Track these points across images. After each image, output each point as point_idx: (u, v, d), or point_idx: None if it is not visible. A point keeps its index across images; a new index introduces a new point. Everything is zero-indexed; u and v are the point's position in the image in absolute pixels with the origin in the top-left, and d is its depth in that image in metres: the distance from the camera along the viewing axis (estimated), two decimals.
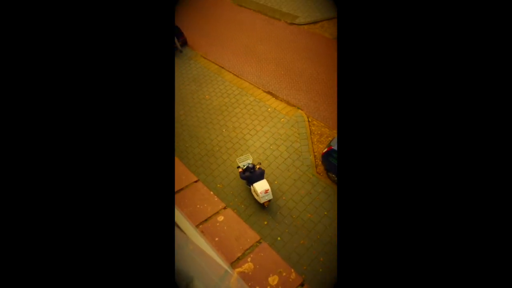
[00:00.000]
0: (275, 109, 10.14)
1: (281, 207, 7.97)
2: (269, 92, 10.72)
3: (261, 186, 7.40)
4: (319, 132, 9.34)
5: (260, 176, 7.56)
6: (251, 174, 7.54)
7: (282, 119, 9.85)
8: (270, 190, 7.41)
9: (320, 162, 8.63)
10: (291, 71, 11.15)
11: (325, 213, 7.68)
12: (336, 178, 7.99)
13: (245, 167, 7.71)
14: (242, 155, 8.72)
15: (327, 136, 9.17)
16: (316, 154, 8.87)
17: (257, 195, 7.49)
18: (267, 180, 8.29)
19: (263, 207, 7.90)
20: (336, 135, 8.54)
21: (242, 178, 7.68)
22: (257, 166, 7.71)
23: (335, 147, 7.48)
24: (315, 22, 12.53)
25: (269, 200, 7.63)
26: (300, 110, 9.97)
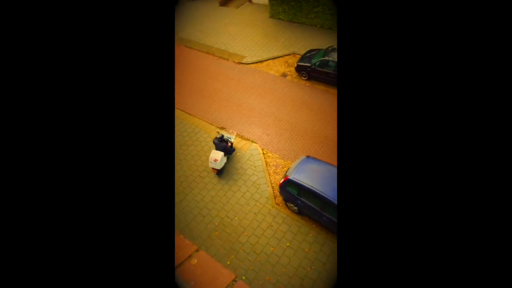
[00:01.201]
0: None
1: (244, 244, 7.76)
2: (222, 128, 10.86)
3: (213, 154, 8.87)
4: (274, 163, 9.58)
5: (221, 149, 8.96)
6: (217, 143, 9.04)
7: (238, 154, 9.95)
8: (219, 162, 8.75)
9: (278, 193, 8.74)
10: (243, 106, 11.53)
11: (288, 244, 7.65)
12: (294, 207, 8.12)
13: (220, 136, 9.19)
14: (204, 187, 8.78)
15: (282, 166, 9.44)
16: (273, 185, 9.01)
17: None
18: (229, 212, 8.12)
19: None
20: (291, 165, 8.82)
21: (213, 142, 9.19)
22: (229, 144, 9.27)
23: (291, 176, 7.70)
24: (261, 61, 13.39)
25: (217, 170, 9.02)
26: (254, 144, 10.20)
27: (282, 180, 7.95)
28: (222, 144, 9.00)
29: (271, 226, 8.05)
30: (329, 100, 11.07)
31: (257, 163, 9.60)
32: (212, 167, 8.89)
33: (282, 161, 9.60)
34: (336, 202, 6.94)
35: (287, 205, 8.37)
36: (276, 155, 9.80)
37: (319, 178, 7.44)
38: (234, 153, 9.88)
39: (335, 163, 9.02)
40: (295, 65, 12.22)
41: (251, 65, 13.36)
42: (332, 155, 9.43)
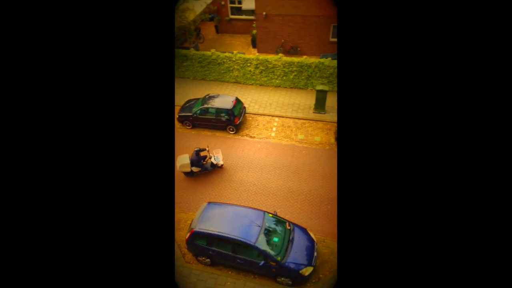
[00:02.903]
0: None
1: None
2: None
3: (180, 157, 9.79)
4: (176, 219, 8.96)
5: (191, 159, 9.61)
6: (193, 153, 9.71)
7: None
8: (179, 166, 9.58)
9: (186, 250, 8.12)
10: None
11: None
12: (207, 260, 7.68)
13: (197, 149, 9.76)
14: None
15: (185, 220, 8.92)
16: (179, 243, 8.34)
17: None
18: None
19: None
20: (194, 216, 8.45)
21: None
22: (205, 162, 9.91)
23: (196, 228, 7.35)
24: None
25: (183, 172, 9.88)
26: None
27: (188, 234, 7.48)
28: (194, 157, 9.58)
29: None
30: (218, 144, 11.48)
31: None
32: (179, 168, 9.68)
33: (184, 214, 9.10)
34: (248, 242, 6.98)
35: (198, 260, 7.84)
36: (176, 209, 9.22)
37: (226, 222, 7.40)
38: None
39: (238, 203, 9.21)
40: (177, 116, 12.28)
41: None
42: (232, 196, 9.61)
